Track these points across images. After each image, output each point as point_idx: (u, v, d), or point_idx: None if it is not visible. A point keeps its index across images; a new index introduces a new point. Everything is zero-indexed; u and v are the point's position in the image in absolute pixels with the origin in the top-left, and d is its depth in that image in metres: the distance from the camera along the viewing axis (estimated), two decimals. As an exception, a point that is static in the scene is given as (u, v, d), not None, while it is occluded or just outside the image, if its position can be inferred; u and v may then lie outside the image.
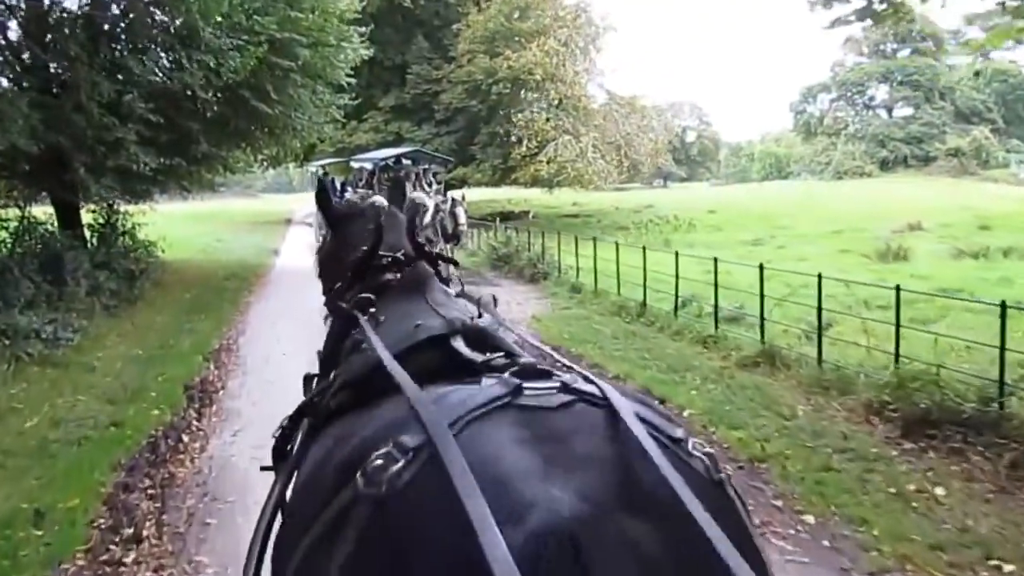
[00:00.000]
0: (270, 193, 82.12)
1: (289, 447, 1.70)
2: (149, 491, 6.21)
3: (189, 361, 10.33)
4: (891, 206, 36.33)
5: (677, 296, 11.83)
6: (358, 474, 1.03)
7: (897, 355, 7.54)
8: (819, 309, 9.03)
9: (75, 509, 5.71)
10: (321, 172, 26.95)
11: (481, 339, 1.54)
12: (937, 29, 63.91)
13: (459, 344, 1.48)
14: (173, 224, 32.45)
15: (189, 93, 13.11)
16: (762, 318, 9.82)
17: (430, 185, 20.47)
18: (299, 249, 25.94)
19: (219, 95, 13.98)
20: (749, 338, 10.10)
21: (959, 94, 63.38)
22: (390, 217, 2.47)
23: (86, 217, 16.63)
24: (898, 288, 7.90)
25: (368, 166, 21.54)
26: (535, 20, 32.10)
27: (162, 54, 13.13)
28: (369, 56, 18.26)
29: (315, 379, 1.96)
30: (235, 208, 50.03)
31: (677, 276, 11.97)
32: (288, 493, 1.49)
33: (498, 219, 23.89)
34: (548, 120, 31.95)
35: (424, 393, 1.16)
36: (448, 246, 17.13)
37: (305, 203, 45.97)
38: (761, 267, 10.47)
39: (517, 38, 31.63)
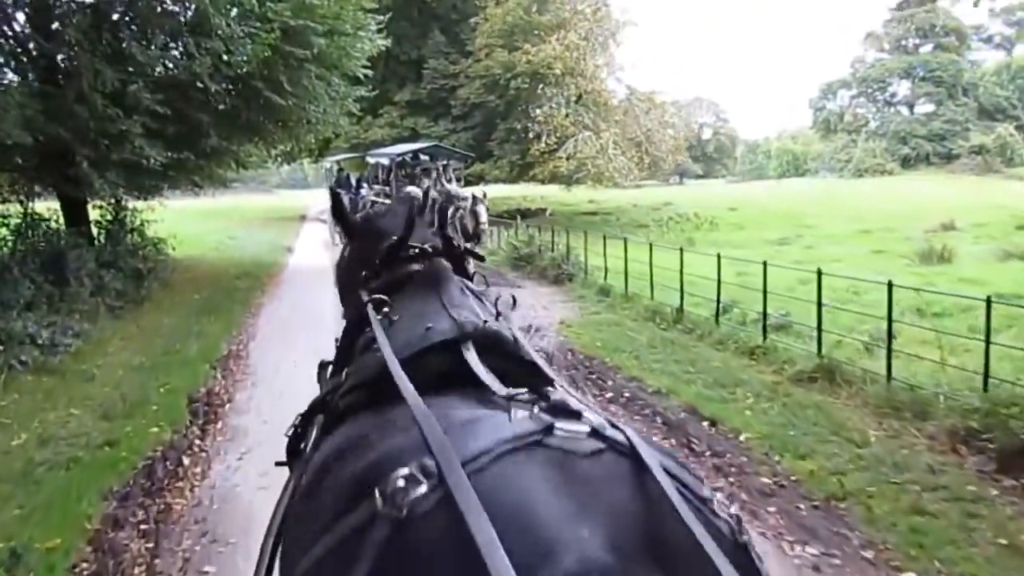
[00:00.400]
0: (285, 189, 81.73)
1: (303, 445, 1.64)
2: (141, 526, 5.45)
3: (195, 369, 9.57)
4: (918, 204, 35.32)
5: (719, 302, 10.93)
6: (377, 492, 0.99)
7: (987, 375, 6.65)
8: (889, 320, 8.12)
9: (56, 550, 4.94)
10: (336, 167, 26.15)
11: (493, 344, 1.48)
12: (960, 24, 62.67)
13: (470, 355, 1.42)
14: (185, 221, 31.83)
15: (198, 84, 12.33)
16: (819, 328, 8.94)
17: (449, 182, 19.64)
18: (313, 246, 25.21)
19: (230, 86, 13.21)
20: (802, 350, 9.23)
21: (982, 90, 61.99)
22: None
23: (93, 214, 15.95)
24: (989, 300, 6.96)
25: (385, 162, 20.74)
26: (554, 13, 31.20)
27: (169, 43, 12.32)
28: (386, 48, 17.42)
29: (329, 367, 1.92)
30: (249, 204, 49.40)
31: (719, 280, 11.10)
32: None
33: (518, 217, 22.98)
34: (567, 115, 31.05)
35: (438, 413, 1.11)
36: (468, 246, 16.32)
37: (319, 199, 45.36)
38: (819, 273, 9.59)
39: (536, 32, 30.74)
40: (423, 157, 20.63)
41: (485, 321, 1.53)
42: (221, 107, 13.43)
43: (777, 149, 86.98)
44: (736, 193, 49.14)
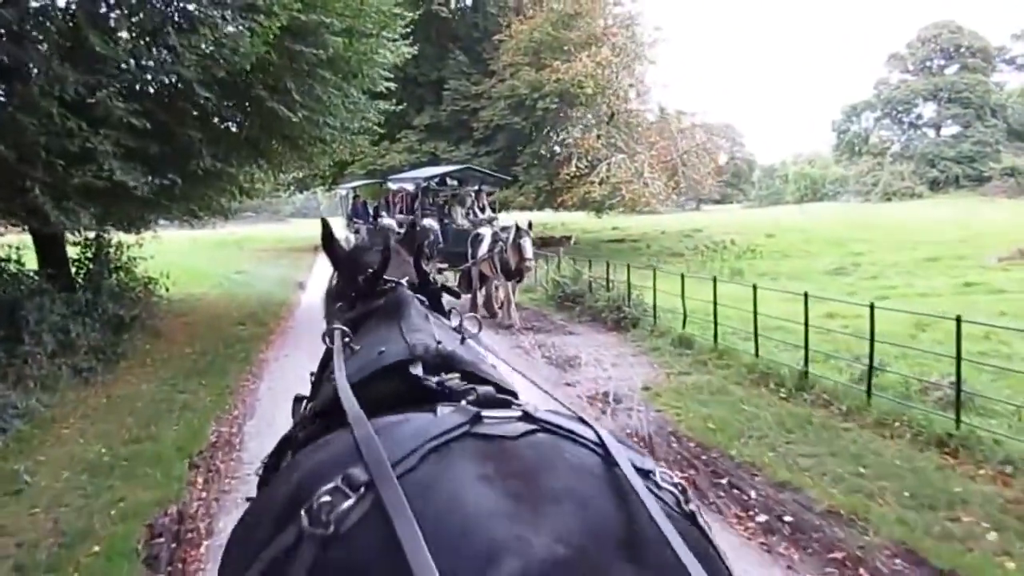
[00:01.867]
0: (298, 218, 79.48)
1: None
2: None
3: (168, 470, 6.81)
4: (972, 229, 32.54)
5: (872, 365, 8.03)
6: (303, 510, 0.94)
7: None
8: None
9: None
10: (351, 194, 23.48)
11: (445, 365, 1.47)
12: (988, 44, 60.13)
13: (418, 370, 1.42)
14: (191, 253, 29.24)
15: (185, 90, 9.71)
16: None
17: (483, 210, 16.86)
18: (327, 282, 22.51)
19: (225, 95, 10.54)
20: (1016, 442, 6.41)
21: (1010, 112, 59.22)
22: (399, 244, 2.48)
23: (74, 251, 13.32)
24: None
25: (409, 187, 17.92)
26: (584, 29, 28.61)
27: (145, 38, 9.63)
28: (407, 62, 14.79)
29: (304, 401, 1.88)
30: (262, 234, 46.97)
31: (872, 334, 8.20)
32: None
33: (561, 249, 20.18)
34: (599, 137, 28.37)
35: (371, 423, 1.08)
36: (511, 284, 13.55)
37: (335, 229, 42.77)
38: (959, 320, 6.96)
39: (566, 48, 28.14)
40: (450, 182, 17.84)
41: (439, 342, 1.52)
42: (216, 120, 10.80)
43: (795, 173, 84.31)
44: (763, 218, 46.25)
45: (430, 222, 15.63)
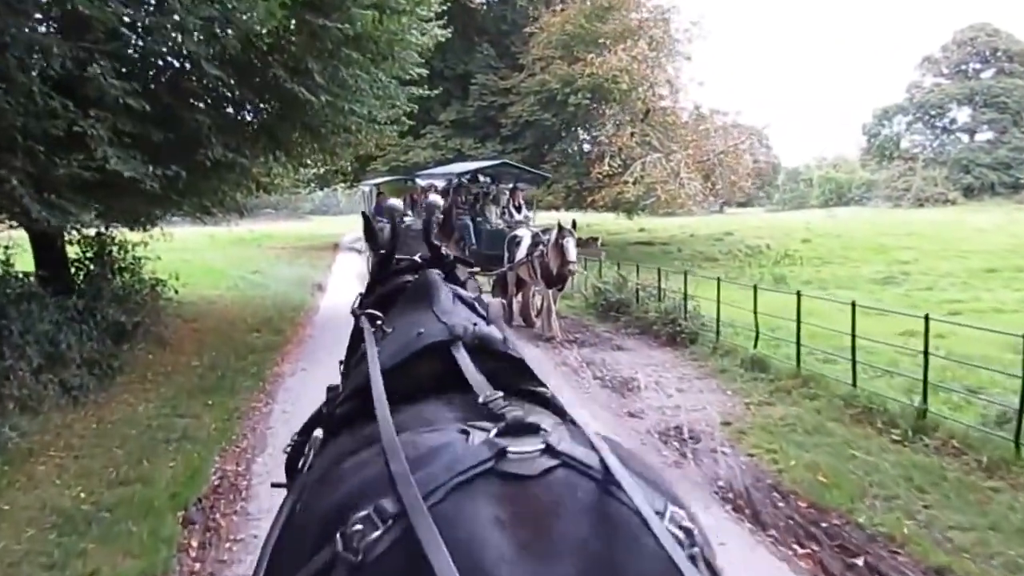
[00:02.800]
0: (318, 215, 78.34)
1: (301, 463, 1.60)
2: None
3: (157, 528, 5.43)
4: (1020, 237, 30.73)
5: (1023, 410, 6.50)
6: (337, 535, 1.01)
7: None
8: None
9: None
10: (375, 192, 22.09)
11: (484, 346, 1.52)
12: (1025, 47, 58.04)
13: (460, 353, 1.46)
14: (207, 251, 27.95)
15: (189, 66, 8.36)
16: None
17: (519, 209, 15.35)
18: (348, 282, 21.04)
19: (237, 74, 9.15)
20: None
21: (1050, 117, 57.06)
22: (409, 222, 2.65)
23: (74, 250, 12.01)
24: None
25: (439, 183, 16.44)
26: (619, 21, 27.10)
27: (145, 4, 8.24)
28: (443, 38, 13.34)
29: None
30: (281, 231, 45.80)
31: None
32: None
33: (602, 253, 18.69)
34: (633, 135, 26.83)
35: (408, 438, 1.14)
36: (551, 292, 12.10)
37: (353, 226, 41.47)
38: None
39: (601, 40, 26.63)
40: (483, 179, 16.34)
41: (475, 324, 1.57)
42: (227, 105, 9.45)
43: (819, 177, 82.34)
44: (792, 222, 44.47)
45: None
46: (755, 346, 10.19)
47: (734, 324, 11.64)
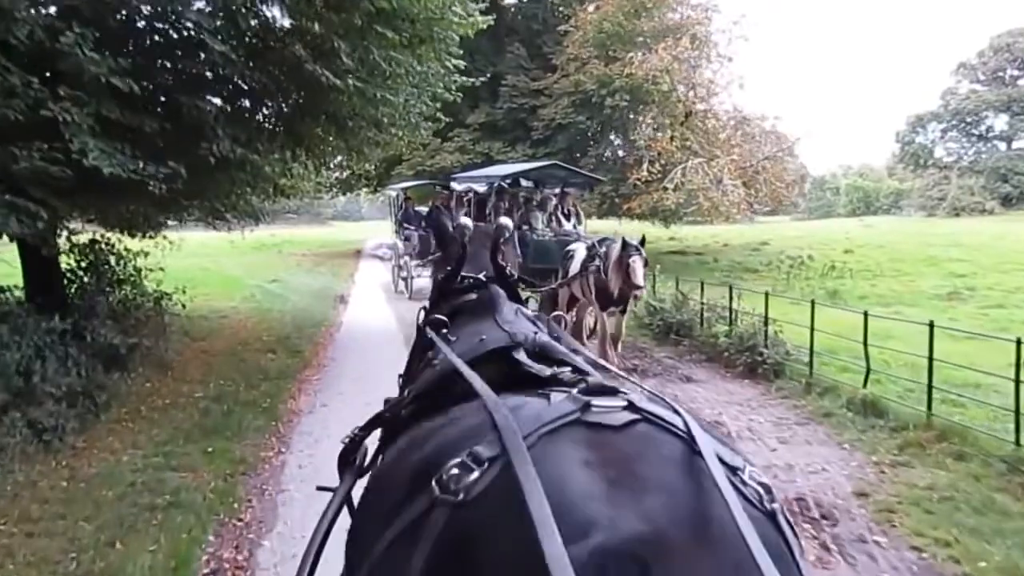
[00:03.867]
0: (340, 221, 77.04)
1: (354, 456, 1.66)
2: None
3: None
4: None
5: None
6: (434, 480, 1.03)
7: None
8: None
9: None
10: (402, 197, 20.41)
11: (543, 353, 1.54)
12: (1067, 53, 55.68)
13: (521, 356, 1.50)
14: (225, 258, 26.41)
15: (190, 39, 6.73)
16: None
17: (568, 216, 13.55)
18: (372, 293, 19.47)
19: (248, 53, 7.51)
20: None
21: (1090, 125, 54.66)
22: (477, 239, 2.50)
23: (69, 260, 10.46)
24: None
25: (480, 187, 14.66)
26: (660, 18, 25.32)
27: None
28: (485, 25, 11.62)
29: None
30: (303, 236, 44.30)
31: None
32: (355, 495, 1.50)
33: (658, 266, 16.91)
34: (673, 139, 25.02)
35: (500, 402, 1.16)
36: (608, 316, 10.33)
37: (376, 233, 39.92)
38: None
39: (640, 39, 24.86)
40: (524, 183, 14.54)
41: (536, 333, 1.64)
42: (236, 91, 7.80)
43: (847, 186, 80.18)
44: (827, 232, 42.38)
45: (508, 221, 12.60)
46: (865, 383, 8.36)
47: (817, 352, 9.92)
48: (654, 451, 1.05)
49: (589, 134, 27.06)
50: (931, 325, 7.72)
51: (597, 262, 10.15)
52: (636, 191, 25.01)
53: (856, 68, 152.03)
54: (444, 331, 1.87)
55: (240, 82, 7.79)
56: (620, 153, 28.21)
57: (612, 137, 28.22)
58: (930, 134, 59.53)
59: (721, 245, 35.08)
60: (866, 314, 8.51)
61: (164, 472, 6.49)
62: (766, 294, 10.70)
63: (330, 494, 1.59)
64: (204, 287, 17.74)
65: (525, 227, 12.97)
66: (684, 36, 24.16)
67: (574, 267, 10.59)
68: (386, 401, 1.81)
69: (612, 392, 1.16)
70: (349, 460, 1.67)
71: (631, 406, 1.12)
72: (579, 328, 11.29)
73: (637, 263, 9.48)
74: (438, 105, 10.95)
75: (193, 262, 22.05)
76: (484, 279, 2.24)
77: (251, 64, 7.64)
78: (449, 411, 1.29)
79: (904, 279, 24.71)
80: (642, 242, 9.67)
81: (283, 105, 8.58)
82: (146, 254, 10.98)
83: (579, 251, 10.70)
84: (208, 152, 7.38)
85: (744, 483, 1.06)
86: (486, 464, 1.02)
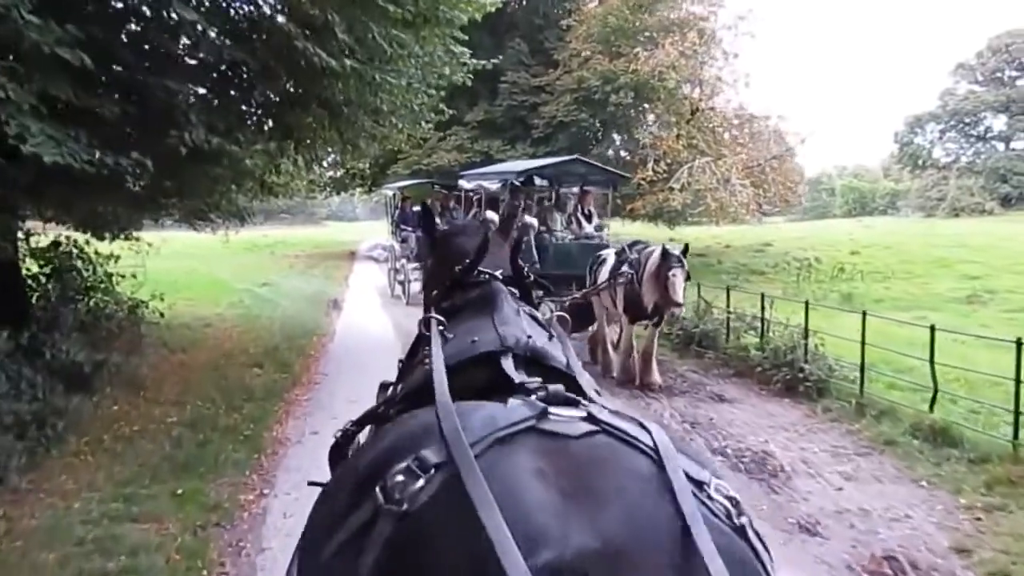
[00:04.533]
0: (334, 221, 75.68)
1: (347, 451, 1.61)
2: None
3: None
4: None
5: None
6: (378, 487, 1.00)
7: None
8: None
9: None
10: (399, 196, 19.27)
11: (534, 359, 1.50)
12: (1066, 53, 54.90)
13: (508, 362, 1.45)
14: (215, 260, 25.13)
15: (162, 9, 5.62)
16: None
17: (588, 217, 12.40)
18: (368, 298, 18.33)
19: (227, 27, 6.39)
20: None
21: (1088, 126, 53.86)
22: (496, 237, 2.40)
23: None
24: None
25: (492, 185, 13.27)
26: (665, 13, 24.21)
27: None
28: (493, 7, 10.48)
29: (390, 387, 1.92)
30: (296, 237, 43.05)
31: None
32: None
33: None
34: (679, 137, 23.93)
35: (453, 407, 1.12)
36: (638, 328, 9.24)
37: (370, 233, 38.72)
38: None
39: (647, 33, 23.78)
40: (539, 181, 13.30)
41: (529, 336, 1.56)
42: (212, 71, 6.68)
43: (842, 187, 79.35)
44: (829, 232, 41.40)
45: (534, 220, 11.45)
46: (932, 407, 7.26)
47: (842, 361, 8.92)
48: (612, 464, 1.02)
49: (591, 132, 25.96)
50: (1019, 342, 6.60)
51: (627, 271, 9.04)
52: (640, 191, 23.91)
53: (848, 69, 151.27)
54: (441, 328, 1.76)
55: (218, 61, 6.65)
56: (623, 152, 27.12)
57: (615, 136, 27.15)
58: (928, 135, 58.74)
59: (723, 247, 33.97)
60: (933, 328, 7.40)
61: (122, 524, 5.36)
62: (806, 303, 9.66)
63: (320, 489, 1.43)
64: (189, 291, 16.61)
65: (543, 229, 11.74)
66: (691, 31, 23.05)
67: (603, 275, 9.49)
68: (382, 385, 1.92)
69: (573, 403, 1.14)
70: (341, 455, 1.61)
71: (591, 417, 1.10)
72: (597, 339, 10.21)
73: (678, 277, 8.39)
74: (442, 94, 9.82)
75: (180, 264, 20.89)
76: (491, 274, 2.08)
77: (231, 41, 6.51)
78: (410, 413, 1.26)
79: (917, 281, 23.72)
80: (684, 252, 8.59)
81: (268, 90, 7.42)
82: (117, 258, 9.83)
83: (609, 258, 9.60)
84: (179, 141, 6.22)
85: (710, 498, 1.04)
86: (432, 471, 0.98)
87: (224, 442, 7.16)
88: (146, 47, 6.38)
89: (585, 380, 1.46)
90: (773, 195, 25.20)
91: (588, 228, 12.00)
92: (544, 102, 26.30)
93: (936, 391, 7.26)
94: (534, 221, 11.47)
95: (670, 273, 8.31)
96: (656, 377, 9.05)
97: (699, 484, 1.04)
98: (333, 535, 1.06)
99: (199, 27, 5.99)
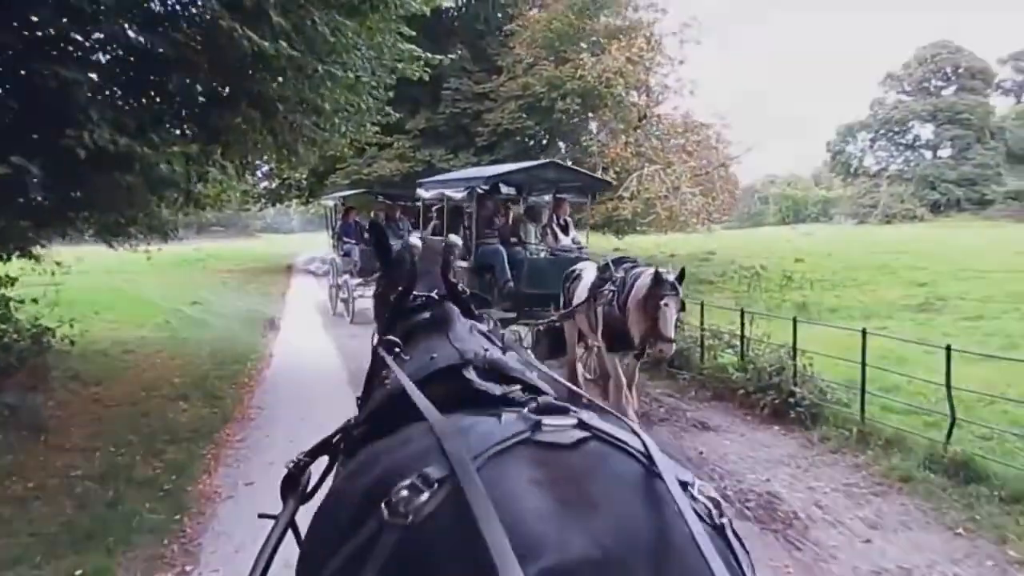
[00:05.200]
0: (270, 233, 73.25)
1: (299, 482, 1.62)
2: None
3: None
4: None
5: None
6: (383, 503, 1.02)
7: None
8: None
9: None
10: (341, 207, 18.05)
11: (494, 371, 1.51)
12: (987, 66, 56.63)
13: (471, 374, 1.47)
14: (141, 277, 23.20)
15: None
16: None
17: (565, 229, 10.88)
18: (308, 317, 17.07)
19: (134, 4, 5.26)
20: None
21: (1009, 135, 55.52)
22: (427, 257, 2.42)
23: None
24: None
25: (456, 194, 11.46)
26: (612, 19, 23.58)
27: None
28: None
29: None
30: (230, 251, 41.09)
31: None
32: (299, 518, 1.51)
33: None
34: (627, 145, 23.27)
35: (448, 424, 1.15)
36: (620, 359, 8.12)
37: (308, 246, 37.17)
38: None
39: (594, 38, 23.09)
40: (505, 189, 11.58)
41: (486, 350, 1.59)
42: (118, 60, 5.54)
43: (775, 195, 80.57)
44: (769, 240, 41.62)
45: (454, 238, 10.24)
46: (949, 438, 6.48)
47: (828, 380, 8.21)
48: (605, 469, 1.05)
49: (537, 141, 25.15)
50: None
51: (608, 290, 7.82)
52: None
53: (779, 79, 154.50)
54: (397, 351, 1.78)
55: (123, 47, 5.50)
56: (570, 161, 26.34)
57: (561, 144, 26.37)
58: (860, 143, 59.83)
59: (668, 255, 33.51)
60: (949, 349, 6.63)
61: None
62: (794, 319, 8.88)
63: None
64: (111, 313, 15.11)
65: (514, 242, 10.50)
66: (638, 36, 22.44)
67: (580, 292, 8.44)
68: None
69: (563, 411, 1.16)
70: (293, 485, 1.61)
71: (582, 424, 1.12)
72: (575, 366, 9.16)
73: (670, 308, 7.01)
74: (390, 94, 8.78)
75: (102, 283, 19.26)
76: (437, 297, 2.09)
77: (138, 22, 5.37)
78: (399, 433, 1.25)
79: (866, 289, 23.47)
80: (680, 278, 7.19)
81: (189, 82, 6.28)
82: (13, 280, 8.51)
83: (587, 272, 8.57)
84: (76, 143, 5.06)
85: (694, 498, 1.06)
86: (435, 485, 1.00)
87: (140, 499, 5.97)
88: (29, 26, 5.19)
89: (546, 389, 1.46)
90: (721, 203, 24.76)
91: (565, 240, 10.68)
92: (488, 109, 25.40)
93: (954, 419, 6.49)
94: (456, 239, 10.35)
95: (661, 303, 6.97)
96: (631, 412, 7.88)
97: (684, 484, 1.06)
98: (337, 553, 1.07)
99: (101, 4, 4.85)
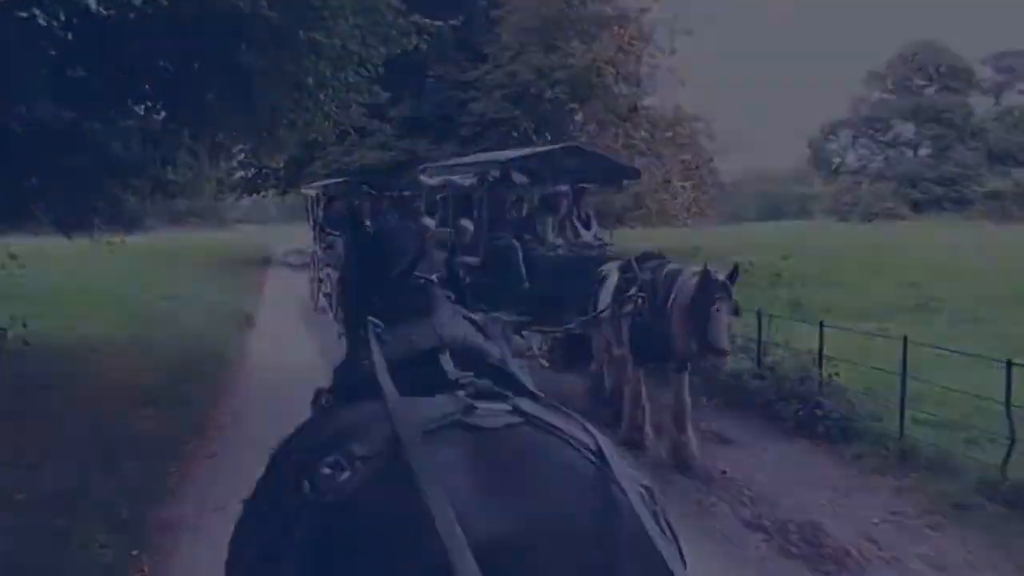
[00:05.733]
0: (247, 224, 71.67)
1: None
2: None
3: None
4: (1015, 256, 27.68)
5: None
6: (305, 481, 1.03)
7: None
8: None
9: None
10: (324, 197, 17.13)
11: (472, 357, 1.50)
12: (969, 65, 56.61)
13: (445, 359, 1.45)
14: (109, 269, 22.09)
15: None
16: None
17: (587, 223, 9.66)
18: (286, 312, 16.19)
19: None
20: None
21: (991, 135, 55.52)
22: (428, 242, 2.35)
23: None
24: None
25: (465, 181, 9.90)
26: (601, 7, 22.82)
27: None
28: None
29: (323, 395, 1.81)
30: (205, 242, 39.84)
31: None
32: None
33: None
34: (617, 136, 22.54)
35: (390, 403, 1.15)
36: (675, 378, 7.05)
37: (286, 238, 36.11)
38: None
39: (583, 26, 22.32)
40: (518, 177, 10.11)
41: (465, 336, 1.58)
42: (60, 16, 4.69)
43: (755, 191, 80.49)
44: (753, 236, 41.07)
45: (466, 222, 9.38)
46: (1007, 458, 5.77)
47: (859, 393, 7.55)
48: (532, 453, 1.05)
49: (523, 131, 24.34)
50: None
51: (637, 293, 6.87)
52: (577, 194, 22.44)
53: (761, 76, 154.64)
54: (378, 331, 1.67)
55: (63, 5, 4.63)
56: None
57: (548, 135, 25.60)
58: (842, 140, 59.70)
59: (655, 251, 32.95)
60: (1009, 363, 5.93)
61: None
62: (820, 324, 8.17)
63: None
64: (77, 308, 14.17)
65: (530, 238, 9.23)
66: (630, 24, 21.71)
67: (603, 297, 7.56)
68: (317, 392, 1.81)
69: (500, 396, 1.18)
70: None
71: (516, 410, 1.12)
72: (620, 398, 7.62)
73: (722, 313, 5.98)
74: (380, 70, 7.93)
75: (68, 277, 18.25)
76: (427, 279, 2.00)
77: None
78: (347, 407, 1.28)
79: (858, 289, 22.91)
80: (732, 277, 6.13)
81: (150, 50, 5.42)
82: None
83: (612, 274, 7.70)
84: (10, 117, 4.20)
85: (643, 496, 1.05)
86: (358, 463, 1.01)
87: (91, 532, 5.12)
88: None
89: (523, 374, 1.48)
90: (710, 197, 24.18)
91: (586, 236, 9.53)
92: (473, 98, 24.59)
93: (1013, 440, 5.79)
94: (468, 224, 9.50)
95: (712, 308, 5.93)
96: (693, 448, 6.60)
97: (632, 479, 1.07)
98: (263, 525, 1.11)
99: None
